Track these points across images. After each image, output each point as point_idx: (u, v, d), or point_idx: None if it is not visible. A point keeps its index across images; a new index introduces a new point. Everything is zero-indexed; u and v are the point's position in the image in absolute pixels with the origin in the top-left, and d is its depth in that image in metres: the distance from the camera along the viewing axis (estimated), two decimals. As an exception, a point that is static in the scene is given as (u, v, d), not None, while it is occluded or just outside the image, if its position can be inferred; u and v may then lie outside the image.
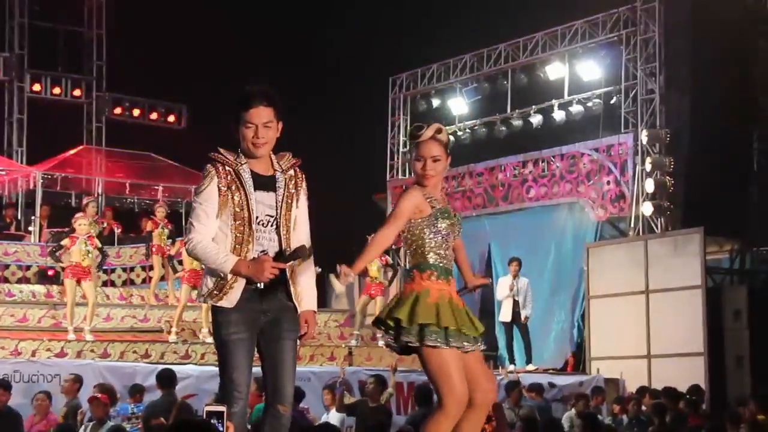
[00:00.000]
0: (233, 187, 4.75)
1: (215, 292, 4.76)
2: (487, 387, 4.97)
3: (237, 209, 4.74)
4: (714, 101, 16.94)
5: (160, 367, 13.12)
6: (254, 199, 4.77)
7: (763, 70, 17.52)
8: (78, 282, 13.70)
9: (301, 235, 4.90)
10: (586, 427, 10.06)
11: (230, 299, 4.75)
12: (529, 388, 13.23)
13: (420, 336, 4.83)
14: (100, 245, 14.06)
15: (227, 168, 4.78)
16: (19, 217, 20.16)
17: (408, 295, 4.92)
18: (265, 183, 4.83)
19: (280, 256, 4.73)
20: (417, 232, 4.94)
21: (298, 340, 4.92)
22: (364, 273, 15.99)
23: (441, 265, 4.93)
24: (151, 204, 18.33)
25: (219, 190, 4.74)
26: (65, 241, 13.89)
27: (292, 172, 4.93)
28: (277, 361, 4.83)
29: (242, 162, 4.82)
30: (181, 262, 14.51)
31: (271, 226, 4.81)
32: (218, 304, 4.76)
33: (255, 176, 4.82)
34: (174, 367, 12.96)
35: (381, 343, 14.99)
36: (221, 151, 4.83)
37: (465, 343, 4.87)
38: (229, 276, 4.70)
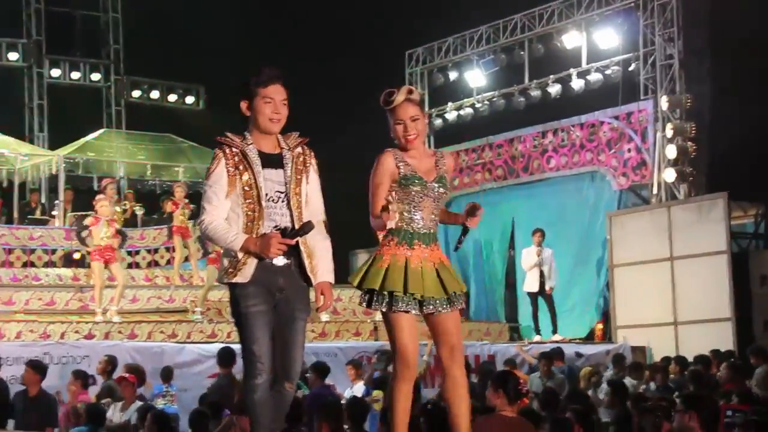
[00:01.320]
0: (241, 167, 4.84)
1: (230, 270, 4.84)
2: (450, 346, 4.90)
3: (246, 188, 4.82)
4: (734, 64, 16.76)
5: (188, 346, 13.21)
6: (262, 176, 4.85)
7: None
8: (105, 264, 13.76)
9: (315, 209, 4.98)
10: (614, 394, 10.02)
11: (245, 275, 4.82)
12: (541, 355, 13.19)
13: (368, 300, 4.88)
14: (118, 226, 14.07)
15: (234, 149, 4.88)
16: (43, 202, 20.24)
17: (367, 260, 4.95)
18: (272, 160, 4.91)
19: (286, 232, 4.78)
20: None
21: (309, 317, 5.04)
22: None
23: (405, 229, 4.86)
24: (173, 185, 18.31)
25: (227, 171, 4.83)
26: (88, 220, 13.94)
27: (299, 149, 4.99)
28: (289, 342, 4.90)
29: (249, 143, 4.91)
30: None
31: (282, 201, 4.88)
32: (234, 281, 4.83)
33: (262, 155, 4.90)
34: (201, 347, 13.04)
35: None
36: (228, 134, 4.93)
37: (429, 306, 4.83)
38: (240, 254, 4.79)
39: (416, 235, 4.87)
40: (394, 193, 4.83)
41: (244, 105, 4.97)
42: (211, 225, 4.82)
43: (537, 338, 16.21)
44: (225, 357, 11.05)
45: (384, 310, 4.82)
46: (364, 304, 4.92)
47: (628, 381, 12.10)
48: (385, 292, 4.80)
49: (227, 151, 4.87)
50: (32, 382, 10.04)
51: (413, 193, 4.86)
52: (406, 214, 4.86)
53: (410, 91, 4.97)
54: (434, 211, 4.93)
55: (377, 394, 10.53)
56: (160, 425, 8.81)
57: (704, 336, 14.99)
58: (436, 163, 4.98)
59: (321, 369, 11.15)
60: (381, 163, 4.90)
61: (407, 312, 4.80)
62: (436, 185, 4.91)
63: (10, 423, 9.93)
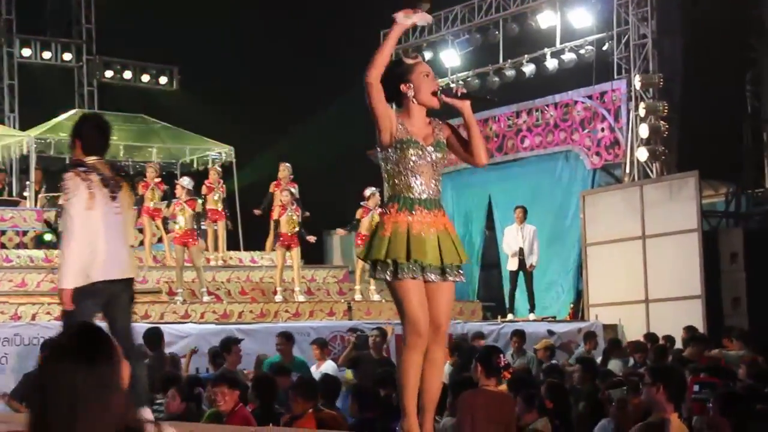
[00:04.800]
0: None
1: None
2: (436, 324, 4.75)
3: None
4: (707, 44, 16.82)
5: (162, 326, 13.19)
6: None
7: (757, 12, 17.42)
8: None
9: None
10: (585, 371, 10.13)
11: None
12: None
13: (374, 271, 4.78)
14: None
15: None
16: (12, 183, 20.14)
17: (373, 231, 4.89)
18: None
19: None
20: (383, 163, 4.87)
21: None
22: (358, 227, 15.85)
23: (404, 195, 4.77)
24: (146, 165, 18.31)
25: None
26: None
27: None
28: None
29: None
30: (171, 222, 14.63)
31: None
32: None
33: None
34: (174, 326, 13.06)
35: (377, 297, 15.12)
36: None
37: (427, 274, 4.71)
38: None
39: (416, 200, 4.76)
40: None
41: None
42: None
43: (510, 317, 16.30)
44: (151, 338, 10.86)
45: (389, 279, 4.69)
46: (372, 274, 4.83)
47: (614, 363, 12.13)
48: (389, 261, 4.68)
49: None
50: None
51: (410, 157, 4.77)
52: (404, 179, 4.78)
53: None
54: (434, 177, 4.84)
55: (347, 374, 10.61)
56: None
57: (675, 314, 15.15)
58: (434, 130, 4.91)
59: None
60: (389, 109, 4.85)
61: (414, 279, 4.68)
62: (433, 150, 4.83)
63: None
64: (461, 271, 4.89)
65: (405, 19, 4.81)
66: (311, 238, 15.42)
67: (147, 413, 6.01)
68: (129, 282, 6.24)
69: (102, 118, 6.76)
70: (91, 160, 6.18)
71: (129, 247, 6.29)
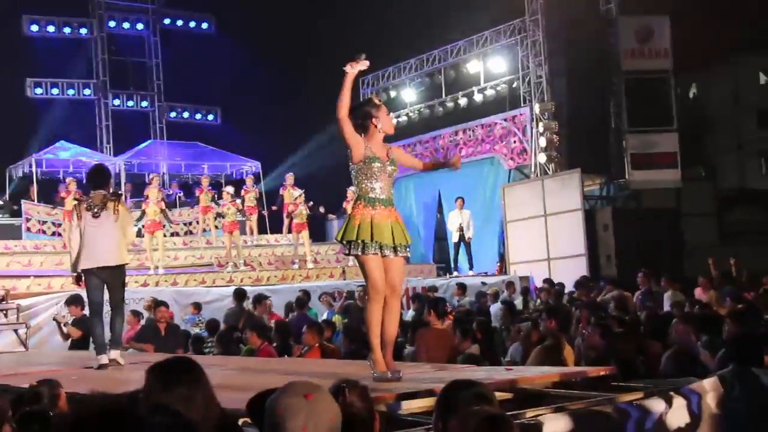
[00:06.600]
0: None
1: None
2: (392, 285, 4.76)
3: None
4: (583, 81, 16.96)
5: (213, 289, 13.10)
6: None
7: (613, 60, 17.42)
8: (152, 233, 13.62)
9: None
10: (506, 312, 10.05)
11: None
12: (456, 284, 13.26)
13: (349, 248, 4.75)
14: (163, 206, 13.96)
15: None
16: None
17: (345, 220, 4.87)
18: None
19: None
20: (354, 173, 4.83)
21: None
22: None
23: (369, 196, 4.76)
24: (201, 178, 18.21)
25: None
26: (143, 206, 13.81)
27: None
28: None
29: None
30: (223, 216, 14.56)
31: None
32: None
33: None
34: (221, 290, 12.93)
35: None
36: None
37: (384, 251, 4.71)
38: None
39: (377, 200, 4.74)
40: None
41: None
42: None
43: (455, 273, 16.28)
44: (237, 294, 10.84)
45: (359, 254, 4.68)
46: (346, 251, 4.77)
47: (520, 301, 12.14)
48: (359, 241, 4.67)
49: None
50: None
51: (374, 168, 4.75)
52: (369, 184, 4.75)
53: None
54: (389, 183, 4.82)
55: (336, 319, 10.57)
56: (195, 345, 8.84)
57: (567, 267, 15.15)
58: (387, 152, 4.88)
59: (299, 300, 11.06)
60: (358, 136, 4.78)
61: (375, 254, 4.69)
62: (389, 165, 4.82)
63: None
64: (408, 249, 4.88)
65: (352, 69, 4.71)
66: (322, 210, 15.57)
67: (114, 353, 6.36)
68: (115, 268, 6.50)
69: (101, 165, 7.05)
70: (93, 193, 6.53)
71: (116, 245, 6.45)
